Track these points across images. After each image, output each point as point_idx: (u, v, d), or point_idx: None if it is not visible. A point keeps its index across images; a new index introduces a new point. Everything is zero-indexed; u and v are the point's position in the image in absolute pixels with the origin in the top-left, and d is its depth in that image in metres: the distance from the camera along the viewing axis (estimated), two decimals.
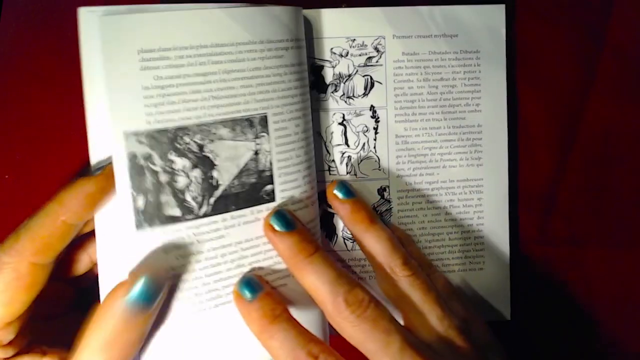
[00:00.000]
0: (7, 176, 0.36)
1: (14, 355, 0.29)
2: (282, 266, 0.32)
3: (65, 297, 0.33)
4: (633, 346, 0.40)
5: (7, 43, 0.36)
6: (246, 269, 0.31)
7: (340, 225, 0.37)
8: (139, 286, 0.27)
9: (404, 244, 0.36)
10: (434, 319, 0.32)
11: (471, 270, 0.38)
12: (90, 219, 0.29)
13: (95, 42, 0.28)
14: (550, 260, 0.40)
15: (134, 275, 0.27)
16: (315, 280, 0.30)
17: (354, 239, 0.35)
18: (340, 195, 0.35)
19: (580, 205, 0.39)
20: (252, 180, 0.31)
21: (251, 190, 0.31)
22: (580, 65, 0.39)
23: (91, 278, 0.34)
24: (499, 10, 0.37)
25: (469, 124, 0.37)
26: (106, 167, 0.28)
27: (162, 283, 0.28)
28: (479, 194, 0.38)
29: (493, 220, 0.38)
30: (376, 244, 0.33)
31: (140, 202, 0.29)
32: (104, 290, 0.29)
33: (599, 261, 0.40)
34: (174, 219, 0.29)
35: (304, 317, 0.33)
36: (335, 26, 0.36)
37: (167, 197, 0.29)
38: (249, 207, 0.31)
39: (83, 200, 0.27)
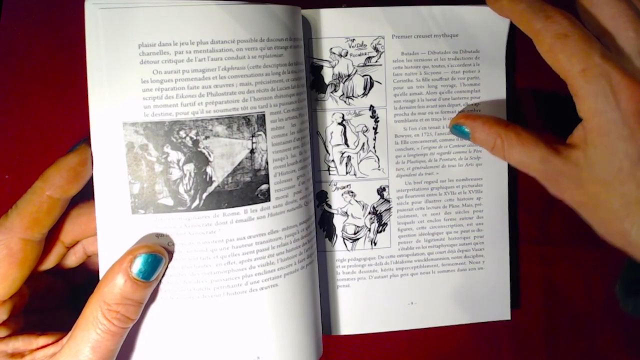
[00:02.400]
0: (7, 176, 0.37)
1: (7, 336, 0.30)
2: (274, 267, 0.32)
3: (59, 291, 0.34)
4: (633, 346, 0.40)
5: (7, 43, 0.36)
6: (236, 267, 0.31)
7: (340, 225, 0.37)
8: (140, 259, 0.28)
9: None
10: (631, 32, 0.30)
11: (471, 270, 0.38)
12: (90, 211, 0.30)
13: (98, 34, 0.29)
14: (550, 260, 0.40)
15: (134, 250, 0.29)
16: None
17: None
18: None
19: None
20: (247, 178, 0.31)
21: (246, 188, 0.31)
22: None
23: (85, 274, 0.34)
24: None
25: None
26: (82, 144, 0.30)
27: (161, 257, 0.29)
28: (478, 193, 0.38)
29: (493, 220, 0.38)
30: None
31: (136, 188, 0.30)
32: (103, 269, 0.30)
33: (598, 261, 0.40)
34: (166, 208, 0.30)
35: (297, 319, 0.33)
36: (334, 26, 0.36)
37: (160, 187, 0.30)
38: (243, 205, 0.31)
39: (65, 174, 0.29)
